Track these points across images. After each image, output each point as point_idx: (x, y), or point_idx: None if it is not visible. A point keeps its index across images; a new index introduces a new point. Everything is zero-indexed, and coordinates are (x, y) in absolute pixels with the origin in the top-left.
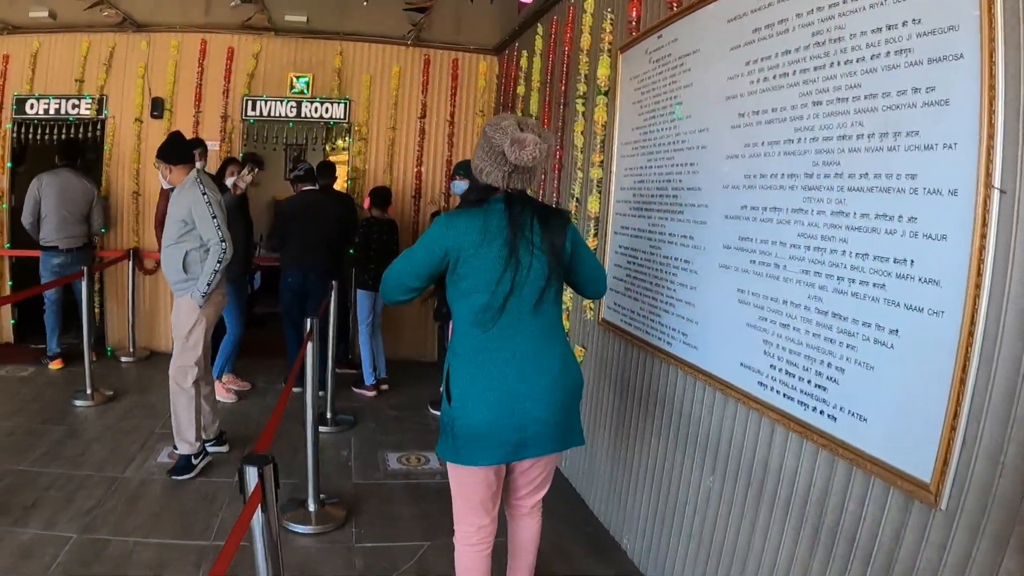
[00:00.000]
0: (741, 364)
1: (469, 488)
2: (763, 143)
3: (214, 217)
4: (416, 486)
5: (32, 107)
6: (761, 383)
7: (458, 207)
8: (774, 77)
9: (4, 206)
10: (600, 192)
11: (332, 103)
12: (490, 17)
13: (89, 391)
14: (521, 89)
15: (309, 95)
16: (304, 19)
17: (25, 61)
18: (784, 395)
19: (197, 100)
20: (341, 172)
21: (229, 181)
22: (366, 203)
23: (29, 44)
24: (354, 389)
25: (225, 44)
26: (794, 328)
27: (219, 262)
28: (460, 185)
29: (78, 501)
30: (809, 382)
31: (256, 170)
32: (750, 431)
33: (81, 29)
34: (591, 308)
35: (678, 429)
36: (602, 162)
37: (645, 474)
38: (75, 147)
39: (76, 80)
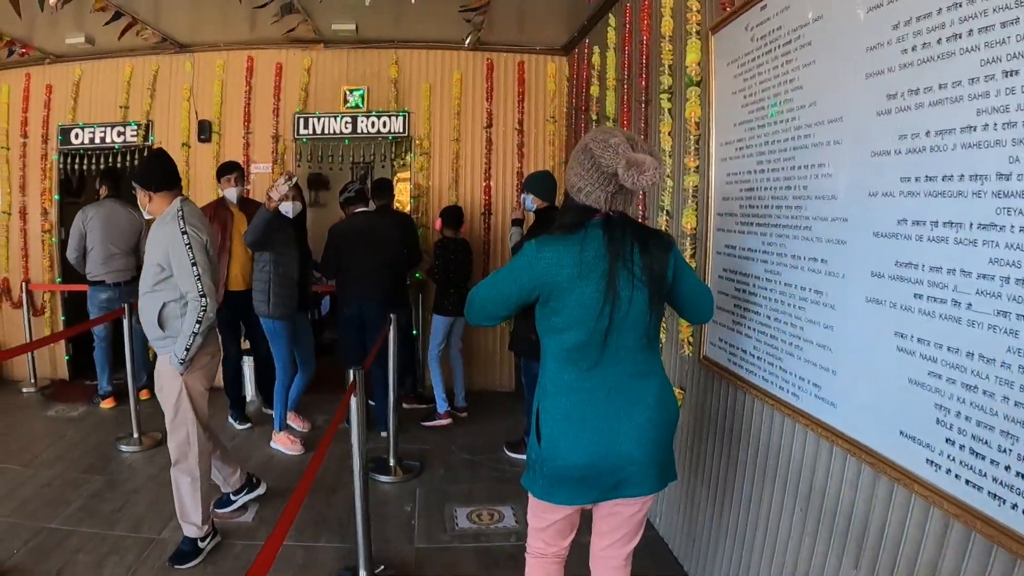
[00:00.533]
0: (902, 433)
1: (550, 519)
2: (928, 133)
3: (194, 264)
4: (487, 551)
5: (77, 136)
6: (932, 461)
7: (551, 231)
8: (939, 41)
9: (54, 240)
10: (696, 204)
11: (390, 116)
12: (556, 14)
13: (136, 434)
14: (595, 90)
15: (365, 109)
16: (352, 27)
17: (68, 90)
18: (967, 481)
19: (246, 120)
20: (403, 190)
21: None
22: (437, 224)
23: (71, 72)
24: (424, 424)
25: (273, 60)
26: (985, 392)
27: (198, 322)
28: (531, 202)
29: (107, 568)
30: (1008, 468)
31: (293, 179)
32: (913, 522)
33: (123, 54)
34: (689, 343)
35: (807, 501)
36: (697, 167)
37: (763, 549)
38: (119, 178)
39: (120, 107)
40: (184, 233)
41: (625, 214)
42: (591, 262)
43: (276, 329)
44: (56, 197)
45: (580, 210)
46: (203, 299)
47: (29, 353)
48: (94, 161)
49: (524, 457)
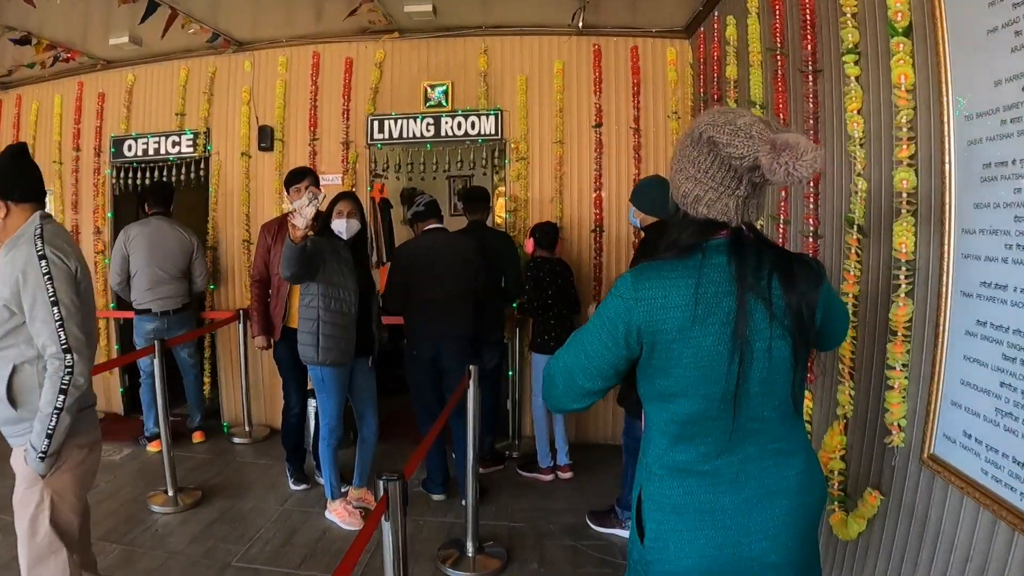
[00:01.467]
0: None
1: None
2: None
3: (55, 303)
4: None
5: (130, 148)
6: None
7: (655, 258)
8: None
9: (107, 261)
10: (916, 215)
11: (479, 115)
12: None
13: (171, 492)
14: (732, 70)
15: (449, 107)
16: (429, 8)
17: (120, 98)
18: None
19: (312, 125)
20: (497, 204)
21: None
22: (528, 245)
23: (123, 79)
24: (520, 472)
25: (341, 55)
26: None
27: (63, 392)
28: (634, 217)
29: None
30: None
31: (319, 197)
32: None
33: (177, 56)
34: (900, 427)
35: None
36: (913, 158)
37: None
38: (166, 192)
39: (176, 114)
40: (42, 259)
41: (758, 231)
42: (711, 300)
43: (324, 378)
44: (109, 215)
45: (696, 226)
46: (67, 356)
47: None
48: (148, 175)
49: (610, 532)
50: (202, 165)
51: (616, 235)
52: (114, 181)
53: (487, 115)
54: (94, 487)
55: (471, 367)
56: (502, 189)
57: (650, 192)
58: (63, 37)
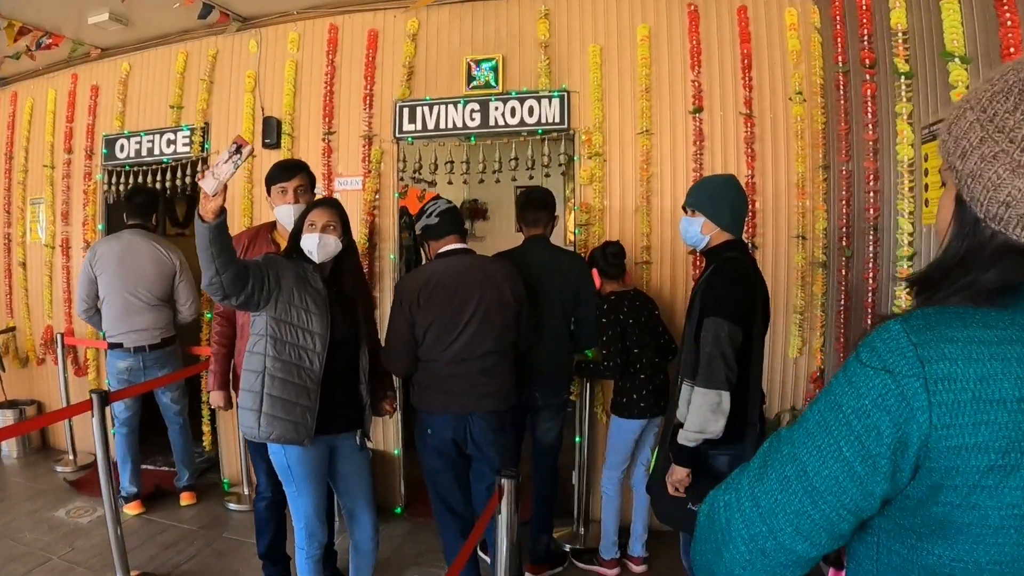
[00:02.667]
0: None
1: None
2: None
3: None
4: None
5: (122, 149)
6: None
7: (936, 302)
8: None
9: None
10: None
11: (538, 99)
12: None
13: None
14: (900, 16)
15: (499, 89)
16: None
17: (114, 90)
18: None
19: (327, 115)
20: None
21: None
22: (594, 275)
23: (118, 69)
24: (579, 564)
25: (364, 27)
26: None
27: None
28: (693, 229)
29: None
30: None
31: (247, 151)
32: None
33: (174, 39)
34: None
35: None
36: None
37: None
38: (147, 199)
39: (171, 106)
40: None
41: None
42: None
43: (290, 463)
44: (100, 227)
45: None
46: None
47: (66, 423)
48: (142, 179)
49: None
50: (199, 167)
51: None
52: (106, 187)
53: (549, 98)
54: (46, 560)
55: (505, 480)
56: (568, 196)
57: (730, 196)
58: (33, 17)
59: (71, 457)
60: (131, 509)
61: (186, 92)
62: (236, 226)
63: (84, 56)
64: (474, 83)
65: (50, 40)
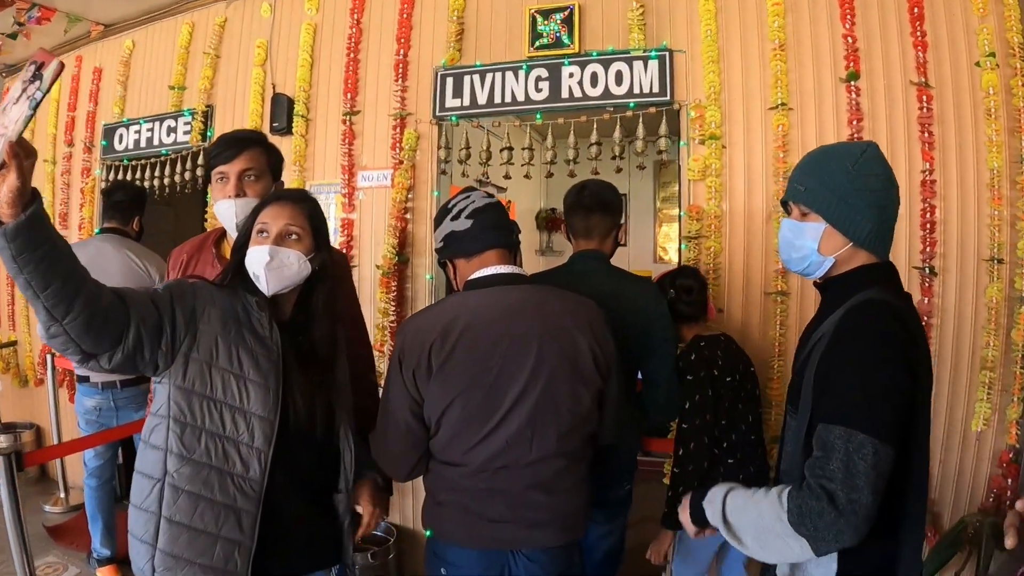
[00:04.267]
0: None
1: None
2: None
3: None
4: None
5: (121, 140)
6: None
7: None
8: None
9: None
10: None
11: (629, 61)
12: None
13: None
14: None
15: (574, 49)
16: None
17: (116, 72)
18: None
19: (350, 91)
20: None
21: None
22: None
23: (121, 48)
24: None
25: None
26: None
27: None
28: (803, 242)
29: None
30: None
31: (54, 67)
32: None
33: (182, 7)
34: None
35: None
36: None
37: None
38: (127, 197)
39: (171, 87)
40: None
41: None
42: None
43: None
44: (97, 231)
45: None
46: None
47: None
48: (140, 174)
49: None
50: (200, 159)
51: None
52: (104, 184)
53: (644, 60)
54: None
55: None
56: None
57: (871, 184)
58: None
59: (62, 495)
60: (105, 573)
61: (190, 71)
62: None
63: (86, 35)
64: (540, 42)
65: (39, 13)
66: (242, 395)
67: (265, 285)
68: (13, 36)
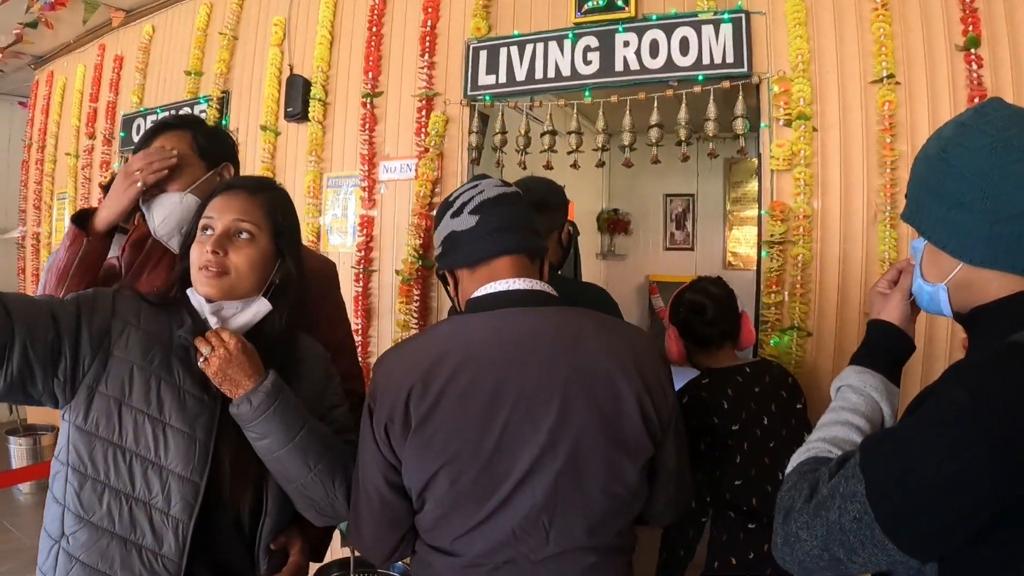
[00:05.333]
0: None
1: None
2: None
3: None
4: None
5: (139, 131)
6: None
7: None
8: None
9: None
10: None
11: (697, 26)
12: None
13: None
14: None
15: (630, 12)
16: None
17: (136, 60)
18: None
19: (371, 70)
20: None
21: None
22: (670, 343)
23: (141, 34)
24: None
25: None
26: None
27: None
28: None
29: None
30: None
31: None
32: None
33: None
34: None
35: None
36: None
37: None
38: None
39: (187, 73)
40: None
41: None
42: None
43: None
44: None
45: None
46: None
47: None
48: None
49: None
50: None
51: None
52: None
53: (714, 24)
54: None
55: None
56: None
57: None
58: None
59: None
60: None
61: (207, 55)
62: None
63: (108, 23)
64: (589, 5)
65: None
66: (159, 445)
67: (207, 315)
68: (34, 25)
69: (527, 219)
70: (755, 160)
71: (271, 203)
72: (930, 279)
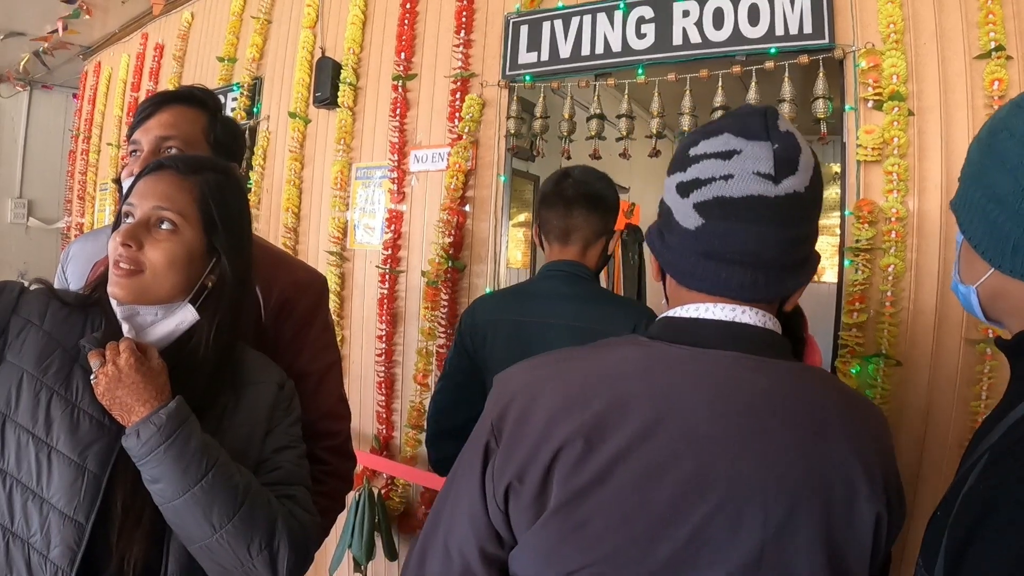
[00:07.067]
0: None
1: None
2: None
3: None
4: None
5: None
6: None
7: None
8: None
9: None
10: None
11: None
12: None
13: None
14: None
15: None
16: None
17: (174, 48)
18: None
19: (404, 50)
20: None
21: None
22: None
23: (181, 21)
24: None
25: None
26: None
27: None
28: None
29: None
30: None
31: None
32: None
33: None
34: None
35: None
36: None
37: None
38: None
39: (219, 59)
40: None
41: None
42: None
43: None
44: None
45: None
46: None
47: None
48: None
49: None
50: (247, 140)
51: None
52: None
53: None
54: None
55: None
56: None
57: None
58: None
59: None
60: None
61: (241, 40)
62: (276, 219)
63: (149, 11)
64: None
65: None
66: (42, 473)
67: (120, 314)
68: (76, 15)
69: (790, 248)
70: (834, 167)
71: (205, 188)
72: (964, 279)
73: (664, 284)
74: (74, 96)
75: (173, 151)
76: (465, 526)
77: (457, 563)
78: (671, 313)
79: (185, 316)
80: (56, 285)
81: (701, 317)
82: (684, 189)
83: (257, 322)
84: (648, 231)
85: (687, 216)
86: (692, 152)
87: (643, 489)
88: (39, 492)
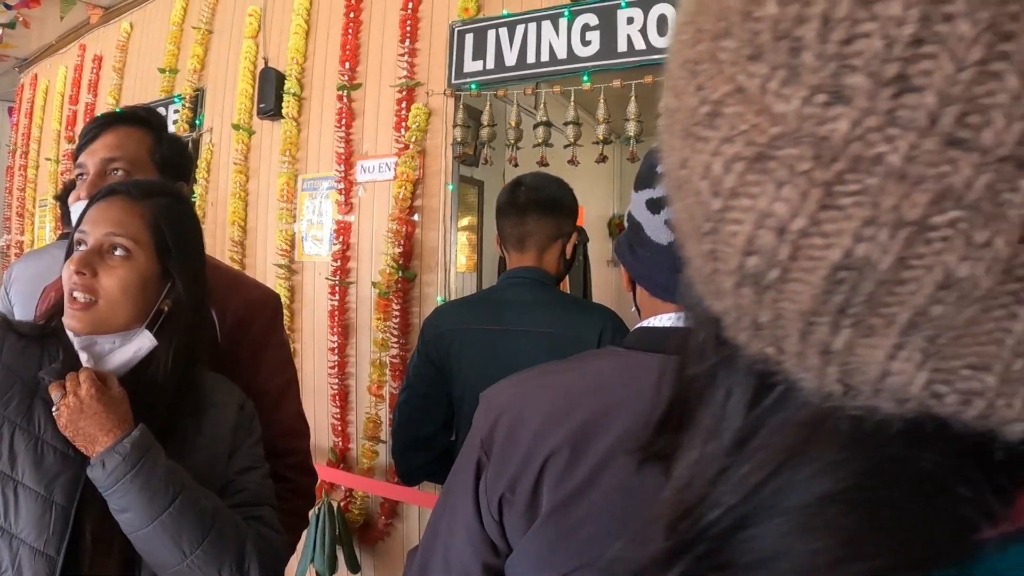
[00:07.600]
0: None
1: None
2: None
3: None
4: None
5: None
6: None
7: None
8: None
9: None
10: None
11: None
12: None
13: None
14: None
15: None
16: None
17: (113, 60)
18: None
19: (348, 60)
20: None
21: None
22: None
23: (120, 32)
24: None
25: None
26: None
27: None
28: None
29: None
30: None
31: None
32: None
33: None
34: None
35: None
36: None
37: None
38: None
39: (161, 70)
40: None
41: None
42: None
43: None
44: (58, 237)
45: None
46: None
47: None
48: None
49: None
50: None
51: None
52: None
53: None
54: None
55: None
56: None
57: None
58: None
59: None
60: None
61: (182, 51)
62: (222, 235)
63: (86, 21)
64: None
65: None
66: (8, 508)
67: (81, 355)
68: (11, 25)
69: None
70: None
71: (157, 212)
72: None
73: (634, 295)
74: (10, 110)
75: (120, 173)
76: (463, 543)
77: (457, 571)
78: (646, 324)
79: (143, 343)
80: None
81: (676, 326)
82: (655, 206)
83: (213, 344)
84: (617, 243)
85: (659, 231)
86: (660, 169)
87: (630, 491)
88: (7, 528)
